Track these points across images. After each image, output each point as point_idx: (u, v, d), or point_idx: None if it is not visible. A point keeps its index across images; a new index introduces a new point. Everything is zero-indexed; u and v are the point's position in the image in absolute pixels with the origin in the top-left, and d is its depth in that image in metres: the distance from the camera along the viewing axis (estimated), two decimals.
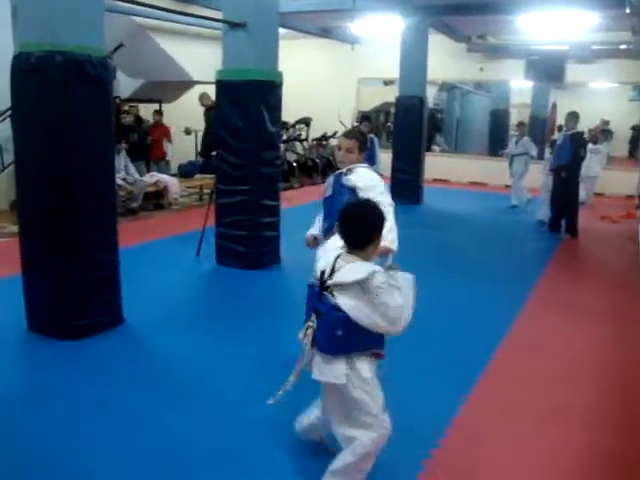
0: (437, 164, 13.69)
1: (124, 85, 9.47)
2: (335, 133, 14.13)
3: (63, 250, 4.33)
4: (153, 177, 9.78)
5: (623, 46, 12.23)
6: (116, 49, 7.27)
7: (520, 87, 15.25)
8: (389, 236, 3.36)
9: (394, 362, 4.21)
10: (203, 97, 11.22)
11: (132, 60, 9.59)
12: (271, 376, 3.34)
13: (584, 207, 9.86)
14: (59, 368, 4.00)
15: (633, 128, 15.46)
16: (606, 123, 14.91)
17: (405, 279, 2.53)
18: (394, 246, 3.48)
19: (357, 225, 2.56)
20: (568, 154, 8.38)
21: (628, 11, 8.24)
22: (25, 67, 4.11)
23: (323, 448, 2.97)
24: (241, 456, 3.04)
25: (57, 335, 4.36)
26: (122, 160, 8.98)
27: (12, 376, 3.92)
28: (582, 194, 9.86)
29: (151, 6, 5.72)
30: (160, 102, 11.12)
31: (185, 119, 11.97)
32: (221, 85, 6.27)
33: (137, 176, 9.30)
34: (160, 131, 10.84)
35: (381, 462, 2.73)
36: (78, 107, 4.18)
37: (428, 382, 3.94)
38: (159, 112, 11.10)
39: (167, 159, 11.18)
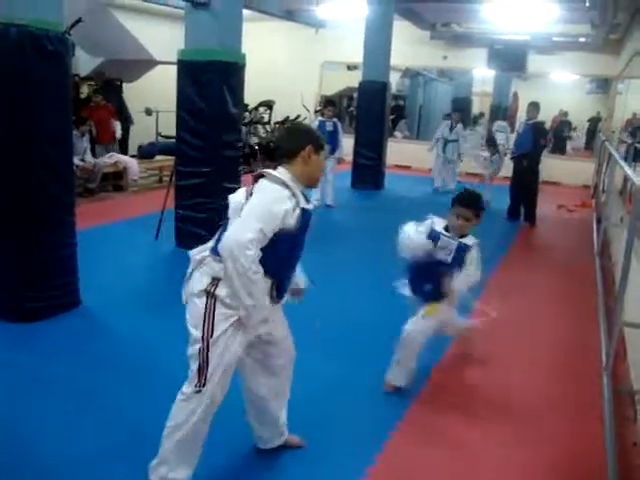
0: (399, 150, 13.76)
1: (83, 63, 9.27)
2: (298, 117, 14.08)
3: (18, 231, 4.23)
4: (112, 157, 9.60)
5: (582, 39, 12.44)
6: (74, 24, 7.06)
7: (482, 76, 15.41)
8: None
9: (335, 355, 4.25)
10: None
11: (92, 37, 9.38)
12: None
13: None
14: (13, 350, 3.92)
15: (590, 120, 15.78)
16: (565, 114, 15.19)
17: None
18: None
19: None
20: (529, 143, 8.54)
21: (588, 4, 8.39)
22: None
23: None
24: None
25: (12, 317, 4.27)
26: (84, 142, 8.82)
27: None
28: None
29: None
30: (120, 81, 10.91)
31: (146, 99, 11.77)
32: (183, 65, 6.17)
33: (90, 157, 9.05)
34: (105, 112, 9.92)
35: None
36: (35, 83, 4.06)
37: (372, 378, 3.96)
38: (99, 91, 10.10)
39: (117, 138, 10.19)
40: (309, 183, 2.58)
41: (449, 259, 3.47)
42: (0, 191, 4.21)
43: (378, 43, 10.92)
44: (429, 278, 3.52)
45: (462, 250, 3.47)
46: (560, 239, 8.36)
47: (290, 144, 2.55)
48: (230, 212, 2.46)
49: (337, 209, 9.07)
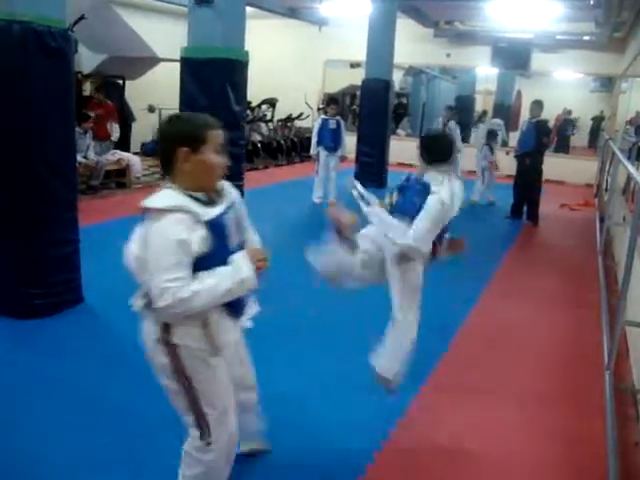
0: (402, 148, 13.74)
1: (86, 60, 9.25)
2: (300, 115, 14.07)
3: (19, 228, 4.23)
4: (115, 155, 9.60)
5: (586, 37, 12.41)
6: (77, 21, 7.08)
7: (486, 74, 15.38)
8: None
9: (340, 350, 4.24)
10: None
11: (95, 34, 9.36)
12: None
13: None
14: (17, 348, 3.93)
15: (593, 119, 15.75)
16: (568, 112, 15.16)
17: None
18: None
19: None
20: (532, 141, 8.51)
21: (592, 2, 8.36)
22: None
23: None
24: None
25: (15, 315, 4.28)
26: (87, 139, 8.81)
27: None
28: None
29: None
30: (123, 79, 10.90)
31: (149, 97, 11.77)
32: (186, 62, 6.15)
33: (92, 155, 9.01)
34: (103, 109, 9.54)
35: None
36: (38, 80, 4.06)
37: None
38: (101, 89, 9.92)
39: (111, 139, 9.71)
40: (205, 188, 2.11)
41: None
42: (1, 188, 4.21)
43: (381, 41, 10.90)
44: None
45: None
46: (563, 238, 8.34)
47: (162, 153, 2.11)
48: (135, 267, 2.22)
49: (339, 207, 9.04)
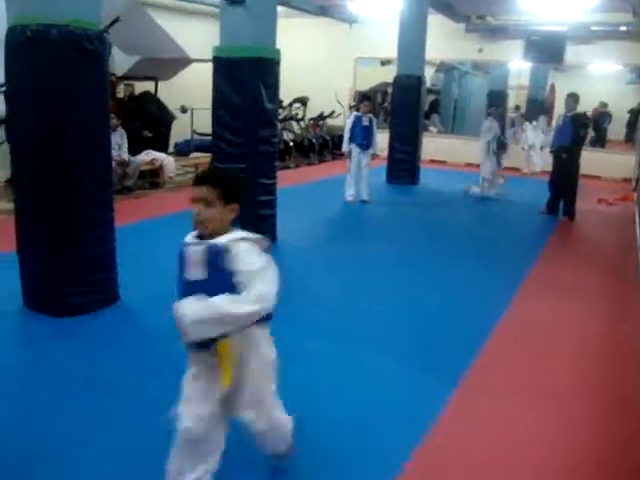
0: (434, 145, 13.65)
1: (119, 62, 9.37)
2: (332, 113, 14.05)
3: (59, 227, 4.30)
4: (149, 155, 9.71)
5: (623, 27, 12.14)
6: (112, 23, 7.14)
7: (518, 68, 15.17)
8: None
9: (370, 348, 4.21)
10: None
11: (128, 36, 9.47)
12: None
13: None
14: (54, 345, 3.99)
15: (630, 111, 15.42)
16: (604, 105, 14.87)
17: None
18: None
19: None
20: (568, 135, 8.34)
21: None
22: (20, 40, 4.04)
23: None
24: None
25: (52, 312, 4.35)
26: (117, 138, 8.89)
27: (7, 353, 3.91)
28: None
29: None
30: (156, 80, 11.01)
31: (181, 97, 11.86)
32: (218, 62, 6.20)
33: (125, 155, 9.11)
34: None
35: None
36: (74, 82, 4.13)
37: (410, 373, 3.91)
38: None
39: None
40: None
41: (201, 274, 2.24)
42: (40, 189, 4.28)
43: (412, 37, 10.83)
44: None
45: (214, 256, 2.20)
46: (601, 234, 8.19)
47: None
48: None
49: (372, 204, 9.02)
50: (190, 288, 2.23)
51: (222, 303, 2.13)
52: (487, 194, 9.94)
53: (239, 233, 2.32)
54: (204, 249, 2.22)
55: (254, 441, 2.51)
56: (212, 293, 2.15)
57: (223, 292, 2.15)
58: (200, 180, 2.31)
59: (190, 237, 2.31)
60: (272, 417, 2.48)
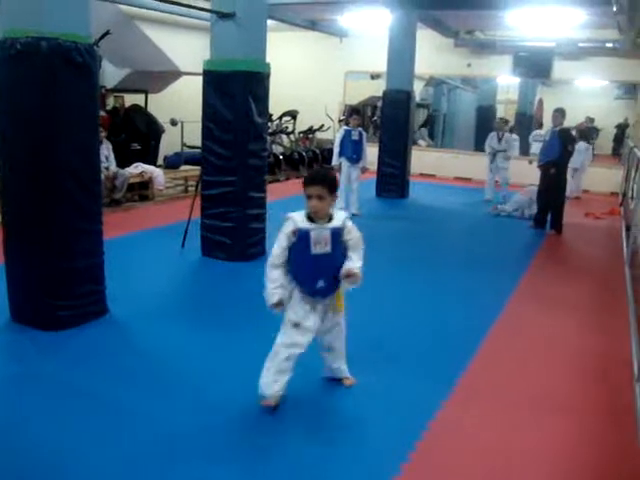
0: (423, 159, 13.72)
1: (110, 75, 9.39)
2: (322, 126, 14.11)
3: (47, 239, 4.28)
4: (138, 168, 9.69)
5: (609, 44, 12.31)
6: (102, 36, 7.20)
7: (507, 83, 15.32)
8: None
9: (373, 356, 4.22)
10: None
11: (118, 49, 9.51)
12: (255, 366, 3.38)
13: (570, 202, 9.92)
14: (42, 359, 3.95)
15: (617, 126, 15.58)
16: (591, 120, 15.01)
17: None
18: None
19: None
20: (556, 150, 8.43)
21: (615, 9, 8.29)
22: (10, 53, 4.04)
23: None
24: (233, 445, 3.03)
25: (41, 326, 4.32)
26: (104, 150, 8.86)
27: None
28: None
29: None
30: (146, 92, 11.03)
31: (171, 110, 11.88)
32: (208, 75, 6.22)
33: (113, 167, 9.03)
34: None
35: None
36: (64, 94, 4.12)
37: (405, 379, 3.94)
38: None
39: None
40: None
41: (329, 249, 3.22)
42: (28, 201, 4.26)
43: (402, 52, 10.91)
44: (319, 276, 3.26)
45: (337, 234, 3.23)
46: (588, 247, 8.24)
47: None
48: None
49: (362, 218, 9.04)
50: (317, 259, 3.21)
51: (359, 262, 3.24)
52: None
53: (342, 213, 3.35)
54: (330, 231, 3.21)
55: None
56: (334, 259, 3.23)
57: (341, 257, 3.24)
58: (314, 181, 3.19)
59: (302, 222, 3.18)
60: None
